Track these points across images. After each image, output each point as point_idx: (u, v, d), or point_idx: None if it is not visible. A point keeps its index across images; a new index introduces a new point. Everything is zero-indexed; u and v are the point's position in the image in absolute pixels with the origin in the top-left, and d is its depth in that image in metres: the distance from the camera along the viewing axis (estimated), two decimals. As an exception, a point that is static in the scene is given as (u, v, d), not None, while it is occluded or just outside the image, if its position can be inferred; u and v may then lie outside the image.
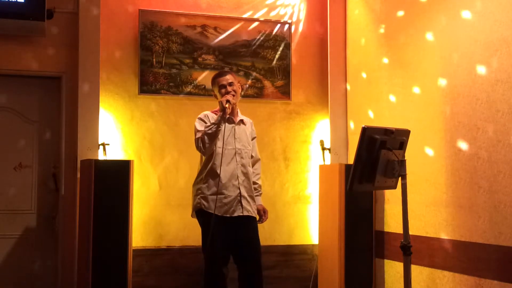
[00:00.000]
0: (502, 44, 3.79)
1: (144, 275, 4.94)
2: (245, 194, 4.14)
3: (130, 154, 5.02)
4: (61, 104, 4.93)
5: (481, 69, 3.95)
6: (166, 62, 5.15)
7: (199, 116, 4.21)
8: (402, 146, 3.45)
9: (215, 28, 5.29)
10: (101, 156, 4.80)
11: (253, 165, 4.30)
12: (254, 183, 4.27)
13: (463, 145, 4.10)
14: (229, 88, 4.16)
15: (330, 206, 5.03)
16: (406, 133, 3.53)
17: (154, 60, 5.12)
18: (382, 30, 5.05)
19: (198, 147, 4.08)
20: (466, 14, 4.10)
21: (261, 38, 5.41)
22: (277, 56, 5.42)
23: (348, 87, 5.48)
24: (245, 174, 4.17)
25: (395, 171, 3.34)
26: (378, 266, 5.03)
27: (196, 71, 5.23)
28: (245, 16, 5.39)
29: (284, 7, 5.52)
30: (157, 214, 5.07)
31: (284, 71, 5.47)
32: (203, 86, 5.22)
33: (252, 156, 4.29)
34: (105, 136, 4.89)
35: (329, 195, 5.05)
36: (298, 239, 5.43)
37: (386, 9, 4.99)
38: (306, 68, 5.56)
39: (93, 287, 4.37)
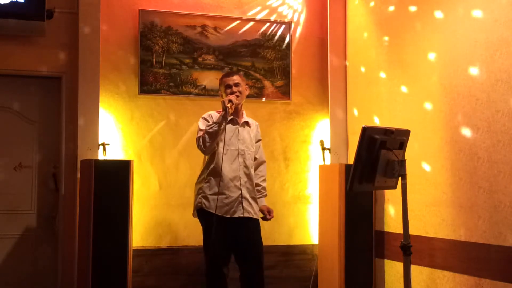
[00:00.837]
0: (502, 44, 3.79)
1: (144, 275, 4.94)
2: (247, 196, 4.13)
3: (130, 154, 5.01)
4: (61, 104, 4.93)
5: (481, 69, 3.94)
6: (166, 62, 5.14)
7: (203, 115, 4.21)
8: (402, 146, 3.45)
9: (215, 28, 5.29)
10: (101, 156, 4.79)
11: (257, 167, 4.29)
12: (258, 185, 4.27)
13: (463, 145, 4.10)
14: (234, 89, 4.15)
15: (330, 206, 5.03)
16: (406, 133, 3.53)
17: (154, 60, 5.12)
18: (382, 30, 5.05)
19: (199, 146, 4.08)
20: (466, 14, 4.09)
21: (261, 38, 5.41)
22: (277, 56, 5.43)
23: (348, 87, 5.48)
24: (248, 176, 4.16)
25: (395, 171, 3.34)
26: (378, 266, 5.03)
27: (196, 71, 5.23)
28: (245, 16, 5.39)
29: (284, 7, 5.52)
30: (157, 214, 5.07)
31: (284, 71, 5.47)
32: (203, 86, 5.22)
33: (256, 158, 4.28)
34: (105, 136, 4.89)
35: (329, 195, 5.05)
36: (298, 239, 5.43)
37: (386, 9, 4.99)
38: (306, 68, 5.55)
39: (93, 287, 4.36)
